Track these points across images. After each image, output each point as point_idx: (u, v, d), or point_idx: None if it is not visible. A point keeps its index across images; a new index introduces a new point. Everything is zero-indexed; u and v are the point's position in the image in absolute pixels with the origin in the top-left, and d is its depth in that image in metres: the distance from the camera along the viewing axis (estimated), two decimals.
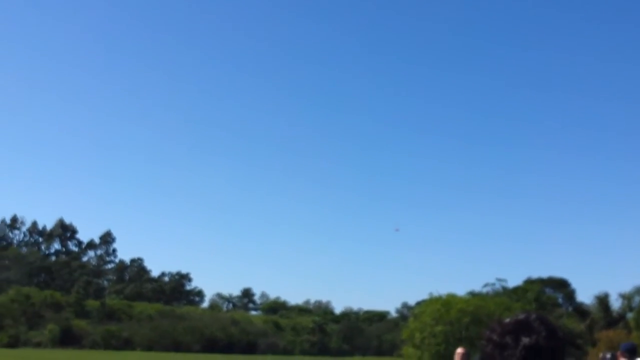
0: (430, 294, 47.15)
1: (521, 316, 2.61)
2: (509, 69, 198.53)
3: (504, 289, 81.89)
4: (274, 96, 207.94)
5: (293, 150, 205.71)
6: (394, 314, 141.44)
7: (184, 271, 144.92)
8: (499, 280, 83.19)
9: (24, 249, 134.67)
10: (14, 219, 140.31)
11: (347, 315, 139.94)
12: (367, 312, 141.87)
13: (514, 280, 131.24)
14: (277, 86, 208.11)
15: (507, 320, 2.63)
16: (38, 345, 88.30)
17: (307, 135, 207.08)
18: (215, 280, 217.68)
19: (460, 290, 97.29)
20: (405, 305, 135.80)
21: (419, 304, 62.73)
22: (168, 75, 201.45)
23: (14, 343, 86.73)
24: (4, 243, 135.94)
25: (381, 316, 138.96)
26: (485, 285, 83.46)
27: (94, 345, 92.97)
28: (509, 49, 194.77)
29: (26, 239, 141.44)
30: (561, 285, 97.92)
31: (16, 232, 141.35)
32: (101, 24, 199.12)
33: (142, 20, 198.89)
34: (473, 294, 57.04)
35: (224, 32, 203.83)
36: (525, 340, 2.51)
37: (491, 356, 2.64)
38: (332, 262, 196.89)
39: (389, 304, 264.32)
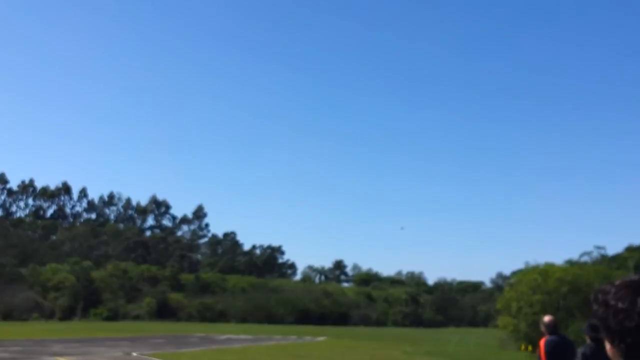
0: (527, 263, 45.76)
1: (635, 277, 2.21)
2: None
3: (603, 257, 78.87)
4: (371, 77, 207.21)
5: (383, 126, 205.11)
6: (488, 284, 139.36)
7: (275, 244, 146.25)
8: (598, 248, 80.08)
9: (121, 225, 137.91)
10: (111, 196, 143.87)
11: (441, 286, 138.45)
12: (461, 283, 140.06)
13: (614, 248, 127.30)
14: (374, 66, 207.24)
15: (620, 281, 2.22)
16: (136, 317, 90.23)
17: (398, 112, 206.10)
18: (306, 253, 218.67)
19: (558, 260, 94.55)
20: (500, 276, 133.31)
21: (514, 273, 61.11)
22: (262, 59, 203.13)
23: (113, 316, 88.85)
24: (101, 219, 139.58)
25: (475, 287, 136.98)
26: (584, 253, 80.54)
27: (189, 318, 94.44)
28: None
29: (121, 215, 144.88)
30: None
31: (112, 208, 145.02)
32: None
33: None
34: (571, 263, 54.96)
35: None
36: None
37: (603, 320, 2.20)
38: (424, 233, 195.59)
39: (483, 275, 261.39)
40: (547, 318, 10.88)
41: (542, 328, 10.83)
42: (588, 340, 9.88)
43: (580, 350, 9.69)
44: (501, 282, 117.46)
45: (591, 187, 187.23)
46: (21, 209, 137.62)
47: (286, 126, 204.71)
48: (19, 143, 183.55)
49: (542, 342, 10.77)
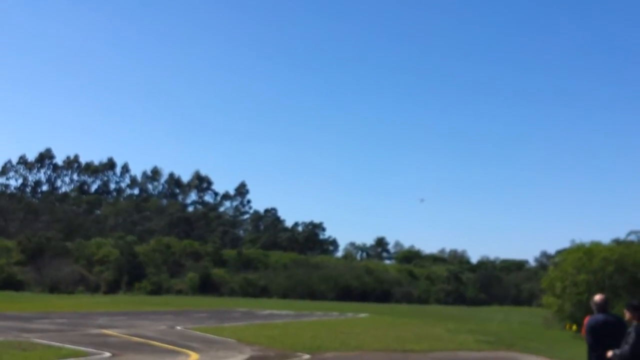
0: (572, 241, 45.03)
1: None
2: None
3: None
4: (418, 57, 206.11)
5: (426, 106, 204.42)
6: (532, 263, 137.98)
7: (316, 221, 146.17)
8: None
9: (164, 201, 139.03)
10: (155, 171, 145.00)
11: (484, 264, 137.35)
12: (504, 261, 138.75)
13: None
14: (422, 48, 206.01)
15: None
16: (179, 292, 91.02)
17: (441, 92, 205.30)
18: (348, 229, 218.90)
19: (605, 239, 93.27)
20: (544, 254, 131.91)
21: (559, 252, 60.30)
22: (299, 39, 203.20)
23: (157, 290, 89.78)
24: (144, 195, 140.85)
25: (519, 265, 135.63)
26: (631, 232, 79.00)
27: (232, 293, 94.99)
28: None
29: (164, 190, 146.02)
30: None
31: (155, 183, 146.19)
32: None
33: None
34: (618, 242, 53.99)
35: None
36: None
37: None
38: (467, 211, 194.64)
39: (527, 253, 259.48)
40: (597, 297, 10.81)
41: (592, 306, 10.75)
42: (627, 316, 9.79)
43: (633, 330, 9.59)
44: (545, 261, 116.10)
45: (638, 165, 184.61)
46: (66, 184, 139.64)
47: (327, 104, 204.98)
48: (65, 119, 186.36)
49: (586, 319, 10.74)
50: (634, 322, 9.78)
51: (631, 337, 9.60)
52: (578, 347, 23.97)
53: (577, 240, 43.86)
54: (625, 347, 9.65)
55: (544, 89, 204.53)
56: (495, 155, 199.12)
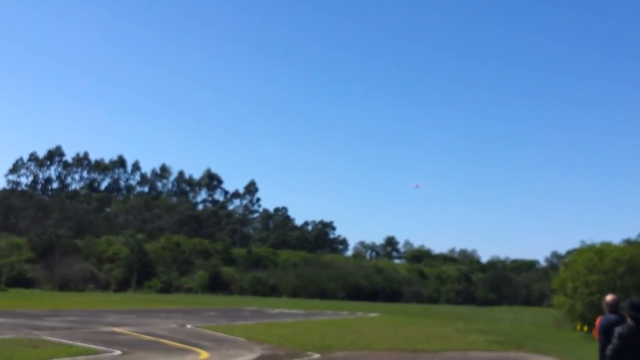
0: (583, 242, 44.72)
1: None
2: None
3: None
4: (437, 58, 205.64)
5: (435, 105, 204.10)
6: (543, 263, 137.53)
7: (326, 220, 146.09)
8: None
9: (174, 199, 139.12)
10: (164, 168, 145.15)
11: (494, 264, 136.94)
12: (515, 261, 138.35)
13: None
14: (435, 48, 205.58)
15: None
16: (189, 290, 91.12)
17: (456, 93, 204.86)
18: (358, 229, 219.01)
19: (615, 239, 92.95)
20: (555, 255, 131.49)
21: (570, 252, 59.98)
22: (311, 41, 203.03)
23: (166, 288, 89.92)
24: (154, 193, 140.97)
25: (529, 265, 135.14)
26: None
27: (241, 292, 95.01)
28: None
29: (173, 188, 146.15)
30: None
31: (164, 181, 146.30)
32: None
33: None
34: (629, 242, 53.66)
35: None
36: None
37: None
38: (478, 211, 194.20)
39: (538, 254, 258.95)
40: (609, 297, 10.81)
41: (604, 306, 10.72)
42: (628, 320, 9.69)
43: (617, 330, 9.55)
44: (556, 261, 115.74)
45: None
46: (76, 182, 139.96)
47: (337, 104, 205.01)
48: (75, 117, 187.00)
49: (598, 320, 10.70)
50: (622, 325, 9.75)
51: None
52: (589, 348, 23.86)
53: (588, 241, 43.58)
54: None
55: (557, 88, 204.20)
56: (506, 154, 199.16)
